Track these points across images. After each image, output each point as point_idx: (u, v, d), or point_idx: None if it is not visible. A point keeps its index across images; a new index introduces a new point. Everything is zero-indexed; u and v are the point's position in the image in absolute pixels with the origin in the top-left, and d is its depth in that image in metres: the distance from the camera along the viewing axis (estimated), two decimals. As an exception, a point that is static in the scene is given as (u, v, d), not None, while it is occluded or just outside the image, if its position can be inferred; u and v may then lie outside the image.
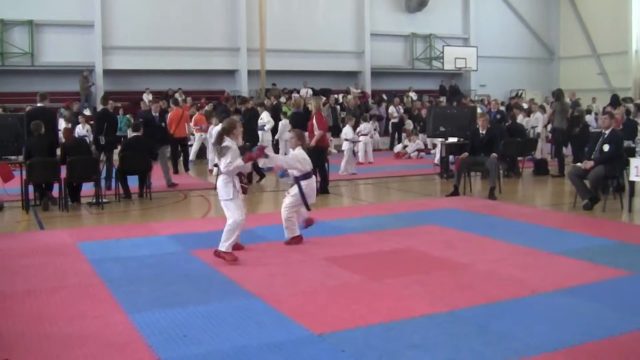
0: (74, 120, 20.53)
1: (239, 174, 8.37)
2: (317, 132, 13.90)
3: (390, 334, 5.52)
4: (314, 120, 14.03)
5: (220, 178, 8.21)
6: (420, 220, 10.88)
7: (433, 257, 8.30)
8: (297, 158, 9.15)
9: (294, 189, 9.18)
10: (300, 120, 15.22)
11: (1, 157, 12.57)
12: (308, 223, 9.33)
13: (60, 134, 15.14)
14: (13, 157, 12.86)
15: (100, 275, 7.52)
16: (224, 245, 8.09)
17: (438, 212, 11.67)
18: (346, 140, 18.53)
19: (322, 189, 13.95)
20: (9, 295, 6.81)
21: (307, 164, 9.19)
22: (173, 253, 8.69)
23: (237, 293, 6.82)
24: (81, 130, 19.71)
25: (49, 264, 8.19)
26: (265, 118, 19.03)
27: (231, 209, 8.14)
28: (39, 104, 14.24)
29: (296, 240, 9.10)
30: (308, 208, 9.23)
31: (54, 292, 6.93)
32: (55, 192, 12.74)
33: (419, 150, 22.77)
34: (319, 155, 13.76)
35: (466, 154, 13.62)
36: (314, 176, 9.63)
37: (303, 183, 9.07)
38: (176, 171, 18.22)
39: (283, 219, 9.11)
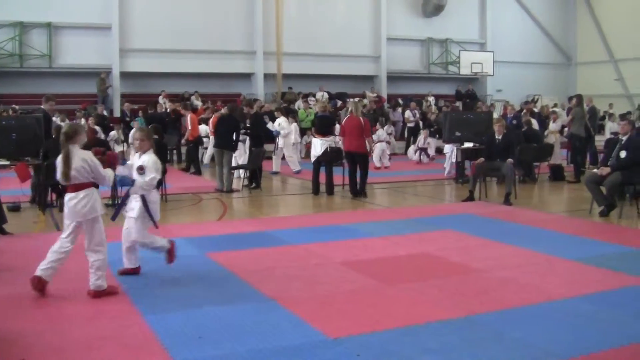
0: (100, 122, 20.94)
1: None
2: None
3: (406, 338, 5.50)
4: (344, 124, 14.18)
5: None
6: (435, 225, 10.85)
7: (449, 263, 8.27)
8: (157, 167, 7.56)
9: (135, 206, 7.58)
10: (326, 124, 15.25)
11: (20, 157, 12.61)
12: (171, 255, 7.80)
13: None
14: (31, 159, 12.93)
15: (117, 277, 7.53)
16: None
17: (454, 218, 11.64)
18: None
19: (361, 191, 14.30)
20: (26, 296, 6.82)
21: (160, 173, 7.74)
22: (189, 255, 8.66)
23: (253, 296, 6.82)
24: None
25: (64, 266, 8.19)
26: (283, 123, 19.03)
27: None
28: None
29: (135, 270, 7.63)
30: (156, 225, 7.73)
31: (71, 293, 6.95)
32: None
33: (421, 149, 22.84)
34: (361, 160, 14.09)
35: (482, 159, 13.59)
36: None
37: (151, 197, 7.63)
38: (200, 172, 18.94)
39: (137, 242, 7.58)
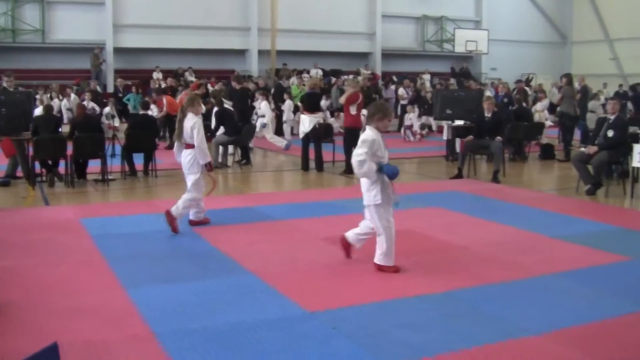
0: (94, 98, 21.02)
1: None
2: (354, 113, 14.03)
3: (382, 313, 5.59)
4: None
5: None
6: (423, 202, 10.90)
7: (433, 239, 8.35)
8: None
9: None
10: (315, 101, 15.23)
11: (9, 133, 12.62)
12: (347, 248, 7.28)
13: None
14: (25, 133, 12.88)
15: (102, 251, 7.61)
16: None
17: (441, 195, 11.70)
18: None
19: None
20: (12, 270, 6.91)
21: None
22: (176, 230, 8.77)
23: (235, 270, 6.90)
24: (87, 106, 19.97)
25: (52, 239, 8.28)
26: (263, 109, 18.88)
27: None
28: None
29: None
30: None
31: (55, 266, 7.03)
32: (61, 169, 12.86)
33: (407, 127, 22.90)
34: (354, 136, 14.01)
35: (471, 137, 13.63)
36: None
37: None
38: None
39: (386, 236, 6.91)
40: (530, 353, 4.84)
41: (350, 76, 29.88)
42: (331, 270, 6.92)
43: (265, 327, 5.25)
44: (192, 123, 8.61)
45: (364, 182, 6.84)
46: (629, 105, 24.10)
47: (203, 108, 20.88)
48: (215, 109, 15.67)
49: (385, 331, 5.19)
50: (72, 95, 22.49)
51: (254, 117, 19.08)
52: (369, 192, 6.79)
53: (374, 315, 5.54)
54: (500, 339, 5.03)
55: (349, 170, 14.19)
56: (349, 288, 6.27)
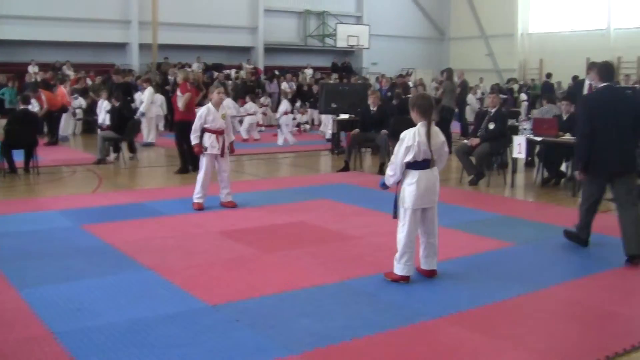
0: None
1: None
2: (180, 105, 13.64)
3: (283, 304, 5.65)
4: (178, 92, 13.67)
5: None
6: (311, 195, 11.03)
7: (325, 230, 8.46)
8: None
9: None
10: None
11: None
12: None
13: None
14: None
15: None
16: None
17: (329, 187, 11.86)
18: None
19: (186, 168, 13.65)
20: None
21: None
22: (64, 228, 8.52)
23: (131, 266, 6.79)
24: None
25: None
26: (146, 94, 18.50)
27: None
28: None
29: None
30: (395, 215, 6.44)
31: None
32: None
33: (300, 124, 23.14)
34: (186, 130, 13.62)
35: (357, 130, 13.88)
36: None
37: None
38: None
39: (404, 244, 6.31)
40: (431, 335, 5.03)
41: (233, 71, 29.86)
42: (230, 263, 6.92)
43: (168, 322, 5.21)
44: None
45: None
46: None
47: (82, 102, 20.60)
48: (99, 103, 15.33)
49: (288, 321, 5.25)
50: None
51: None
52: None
53: (275, 306, 5.59)
54: (402, 324, 5.19)
55: (184, 169, 13.62)
56: (248, 280, 6.29)
